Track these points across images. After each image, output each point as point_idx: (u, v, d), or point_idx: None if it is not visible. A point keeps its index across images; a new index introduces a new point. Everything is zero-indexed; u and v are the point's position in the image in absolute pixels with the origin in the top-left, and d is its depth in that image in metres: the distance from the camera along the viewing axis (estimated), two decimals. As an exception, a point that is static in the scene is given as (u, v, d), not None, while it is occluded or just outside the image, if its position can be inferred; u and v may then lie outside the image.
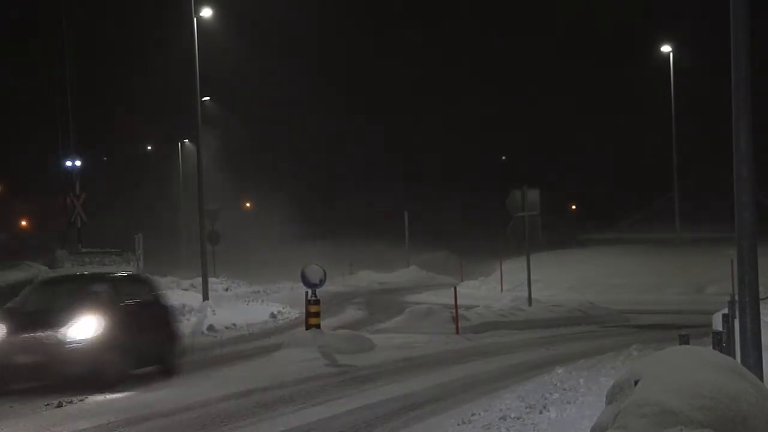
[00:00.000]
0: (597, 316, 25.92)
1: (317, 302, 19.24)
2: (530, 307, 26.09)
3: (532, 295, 27.15)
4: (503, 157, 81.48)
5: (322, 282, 19.22)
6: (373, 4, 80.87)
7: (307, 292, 19.29)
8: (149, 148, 75.62)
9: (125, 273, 19.35)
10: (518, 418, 10.71)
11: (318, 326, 19.05)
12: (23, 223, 70.74)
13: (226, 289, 38.42)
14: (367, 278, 44.78)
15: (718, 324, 10.94)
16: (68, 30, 34.94)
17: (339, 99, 78.66)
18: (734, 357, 9.19)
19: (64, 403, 13.29)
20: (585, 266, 37.55)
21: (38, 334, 14.59)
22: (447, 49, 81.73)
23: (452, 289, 25.03)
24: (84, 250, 36.52)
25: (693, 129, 54.35)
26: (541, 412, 10.94)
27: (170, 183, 62.66)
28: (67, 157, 37.14)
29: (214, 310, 27.01)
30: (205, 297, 28.74)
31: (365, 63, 78.72)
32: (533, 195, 26.00)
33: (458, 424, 10.88)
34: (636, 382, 5.99)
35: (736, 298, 9.13)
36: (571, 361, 16.28)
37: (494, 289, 35.88)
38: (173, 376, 16.06)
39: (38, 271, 31.79)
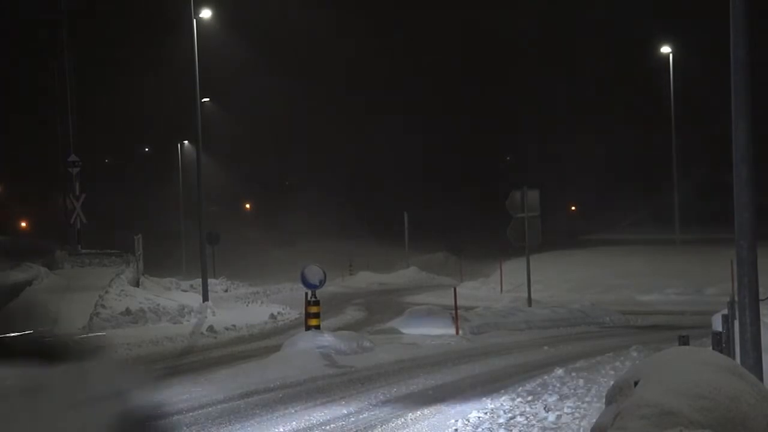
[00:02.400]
0: (597, 316, 25.89)
1: (317, 303, 19.22)
2: (530, 308, 26.07)
3: (532, 296, 27.14)
4: (507, 158, 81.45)
5: (321, 283, 19.19)
6: (372, 4, 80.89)
7: (306, 293, 19.27)
8: (146, 150, 75.75)
9: None
10: (518, 418, 10.70)
11: (318, 327, 19.04)
12: (23, 224, 70.77)
13: (226, 290, 38.44)
14: (366, 279, 44.75)
15: (717, 325, 10.94)
16: (68, 30, 34.95)
17: (338, 99, 78.71)
18: (734, 358, 9.19)
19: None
20: (585, 267, 37.54)
21: None
22: (448, 48, 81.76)
23: (452, 289, 25.01)
24: (83, 251, 36.55)
25: (693, 129, 54.37)
26: (541, 413, 10.94)
27: (170, 183, 62.69)
28: (67, 158, 37.16)
29: (213, 311, 27.00)
30: (205, 298, 28.73)
31: (364, 62, 78.73)
32: (533, 196, 25.98)
33: (458, 425, 10.87)
34: (636, 383, 5.99)
35: (736, 298, 9.14)
36: (571, 362, 16.27)
37: (494, 289, 35.85)
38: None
39: (38, 272, 31.81)
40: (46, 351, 6.09)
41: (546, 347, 20.02)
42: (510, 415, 11.02)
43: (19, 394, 5.80)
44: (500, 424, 10.52)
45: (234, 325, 24.50)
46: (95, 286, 27.51)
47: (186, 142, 58.85)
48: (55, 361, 5.94)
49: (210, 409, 12.85)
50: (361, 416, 12.23)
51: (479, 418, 11.18)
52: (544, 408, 11.19)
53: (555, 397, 12.06)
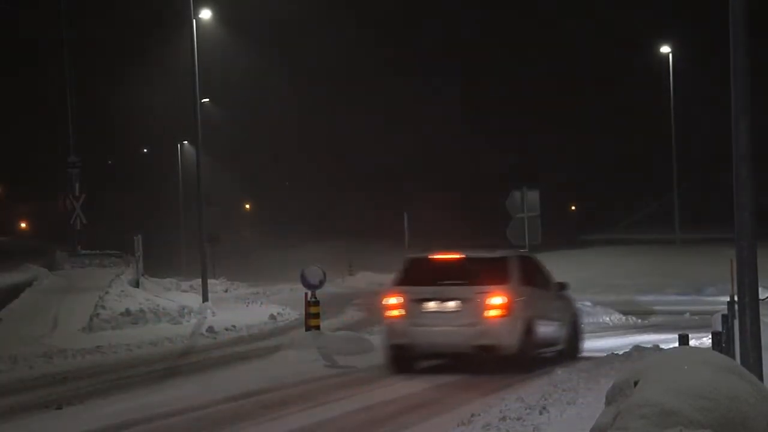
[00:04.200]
0: (597, 316, 25.91)
1: (317, 303, 19.20)
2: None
3: (532, 296, 27.09)
4: (510, 157, 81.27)
5: (321, 283, 19.20)
6: (372, 5, 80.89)
7: (306, 294, 19.27)
8: (145, 150, 75.77)
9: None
10: (518, 419, 10.69)
11: (318, 327, 19.03)
12: (23, 225, 70.83)
13: (226, 291, 38.42)
14: (366, 279, 44.72)
15: (717, 325, 10.94)
16: (68, 30, 34.95)
17: (337, 99, 78.70)
18: (734, 358, 9.19)
19: (64, 405, 13.27)
20: (585, 267, 37.56)
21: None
22: (446, 47, 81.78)
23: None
24: (83, 251, 36.51)
25: (692, 129, 54.40)
26: (540, 413, 10.93)
27: (170, 184, 62.67)
28: (67, 158, 37.16)
29: (213, 312, 26.99)
30: (205, 298, 28.72)
31: (363, 63, 78.76)
32: (533, 196, 25.94)
33: (458, 425, 10.86)
34: (636, 383, 5.99)
35: (736, 298, 9.13)
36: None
37: (494, 289, 35.78)
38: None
39: (38, 272, 31.81)
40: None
41: (546, 347, 19.98)
42: (510, 414, 11.01)
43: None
44: (500, 424, 10.51)
45: (234, 326, 24.49)
46: (95, 286, 27.48)
47: (186, 142, 58.83)
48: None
49: (210, 410, 12.83)
50: (361, 416, 12.24)
51: (479, 417, 11.18)
52: (544, 408, 11.19)
53: (555, 397, 12.06)
